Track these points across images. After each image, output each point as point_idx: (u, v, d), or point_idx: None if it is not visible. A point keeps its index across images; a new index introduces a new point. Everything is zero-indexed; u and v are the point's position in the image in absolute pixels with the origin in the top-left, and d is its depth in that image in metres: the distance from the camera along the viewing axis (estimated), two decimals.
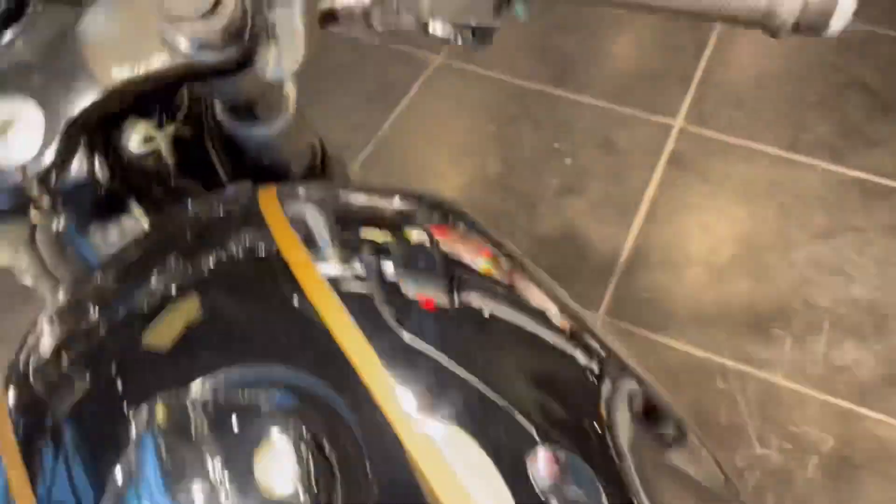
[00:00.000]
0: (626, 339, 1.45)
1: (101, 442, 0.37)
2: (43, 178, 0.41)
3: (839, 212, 1.65)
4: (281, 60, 0.47)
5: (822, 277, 1.55)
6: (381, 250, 0.42)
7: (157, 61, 0.43)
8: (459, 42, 0.43)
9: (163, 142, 0.54)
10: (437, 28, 0.42)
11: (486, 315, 0.42)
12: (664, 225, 1.64)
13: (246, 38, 0.43)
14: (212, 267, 0.42)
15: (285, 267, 0.40)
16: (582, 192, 1.70)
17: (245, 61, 0.44)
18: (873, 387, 1.39)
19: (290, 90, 0.54)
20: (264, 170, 0.59)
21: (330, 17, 0.49)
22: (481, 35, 0.42)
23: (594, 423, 0.39)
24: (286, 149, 0.59)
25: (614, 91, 1.87)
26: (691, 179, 1.72)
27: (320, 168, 0.67)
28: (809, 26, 0.41)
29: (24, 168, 0.41)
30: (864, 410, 1.36)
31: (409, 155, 1.80)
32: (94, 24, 0.43)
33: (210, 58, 0.43)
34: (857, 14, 0.41)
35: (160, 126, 0.54)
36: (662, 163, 1.75)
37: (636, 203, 1.67)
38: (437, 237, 0.45)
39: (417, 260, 0.42)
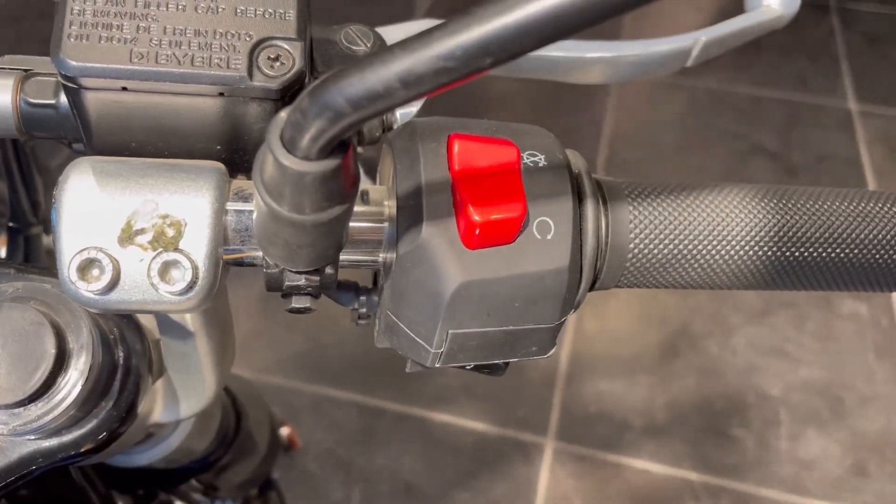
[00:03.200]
0: (583, 466, 1.32)
1: None
2: None
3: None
4: (178, 400, 0.30)
5: (768, 362, 1.47)
6: None
7: None
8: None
9: None
10: None
11: None
12: (600, 324, 1.53)
13: (115, 402, 0.26)
14: None
15: None
16: None
17: (118, 426, 0.27)
18: (844, 480, 1.31)
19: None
20: (156, 479, 0.41)
21: None
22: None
23: None
24: (185, 449, 0.41)
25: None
26: None
27: (233, 427, 0.49)
28: None
29: None
30: None
31: None
32: None
33: (55, 445, 0.26)
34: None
35: None
36: None
37: None
38: None
39: None
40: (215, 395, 0.30)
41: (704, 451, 1.34)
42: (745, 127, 1.95)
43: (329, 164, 0.19)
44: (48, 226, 0.36)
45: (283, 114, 0.18)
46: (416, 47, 0.15)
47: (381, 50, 0.16)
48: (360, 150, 0.28)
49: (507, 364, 0.28)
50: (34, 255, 0.36)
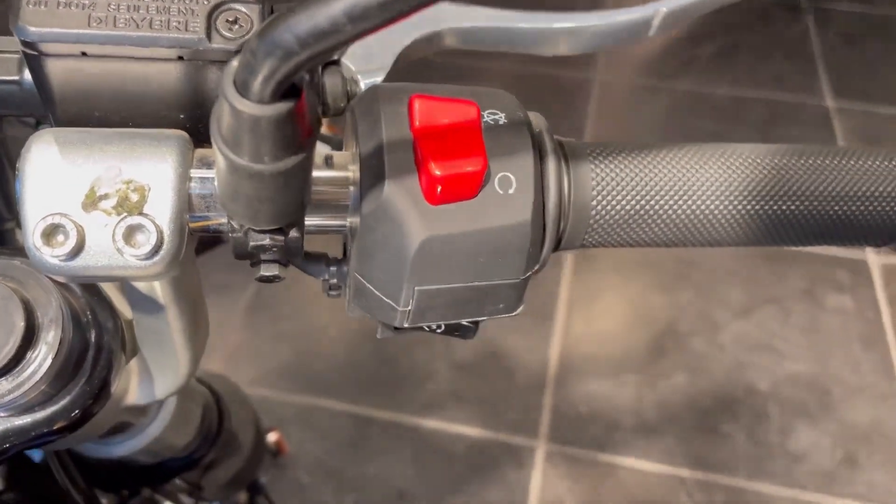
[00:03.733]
0: (576, 468, 1.31)
1: None
2: None
3: (754, 285, 1.61)
4: (152, 379, 0.30)
5: (755, 357, 1.48)
6: None
7: None
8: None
9: None
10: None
11: None
12: (586, 327, 1.53)
13: (87, 378, 0.26)
14: None
15: None
16: None
17: (91, 404, 0.27)
18: (835, 472, 1.31)
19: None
20: (139, 475, 0.41)
21: None
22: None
23: None
24: (165, 441, 0.41)
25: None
26: (602, 273, 1.63)
27: (216, 424, 0.49)
28: None
29: None
30: (833, 499, 1.28)
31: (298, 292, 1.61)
32: None
33: (28, 423, 0.25)
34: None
35: None
36: (570, 257, 1.66)
37: (552, 307, 1.56)
38: None
39: None
40: (189, 373, 0.30)
41: (696, 448, 1.35)
42: (725, 127, 1.97)
43: (283, 106, 0.19)
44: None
45: (235, 61, 0.19)
46: None
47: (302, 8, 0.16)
48: (324, 125, 0.29)
49: (476, 325, 0.28)
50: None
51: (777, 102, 2.06)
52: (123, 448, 0.37)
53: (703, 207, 0.27)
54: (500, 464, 1.33)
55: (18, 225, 0.38)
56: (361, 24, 0.16)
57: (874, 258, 1.66)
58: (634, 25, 0.30)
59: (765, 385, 1.44)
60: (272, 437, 1.14)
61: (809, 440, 1.36)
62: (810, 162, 0.28)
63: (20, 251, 0.25)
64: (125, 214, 0.21)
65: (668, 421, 1.39)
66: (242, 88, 0.19)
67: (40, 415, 0.25)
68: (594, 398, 1.42)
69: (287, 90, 0.18)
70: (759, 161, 0.28)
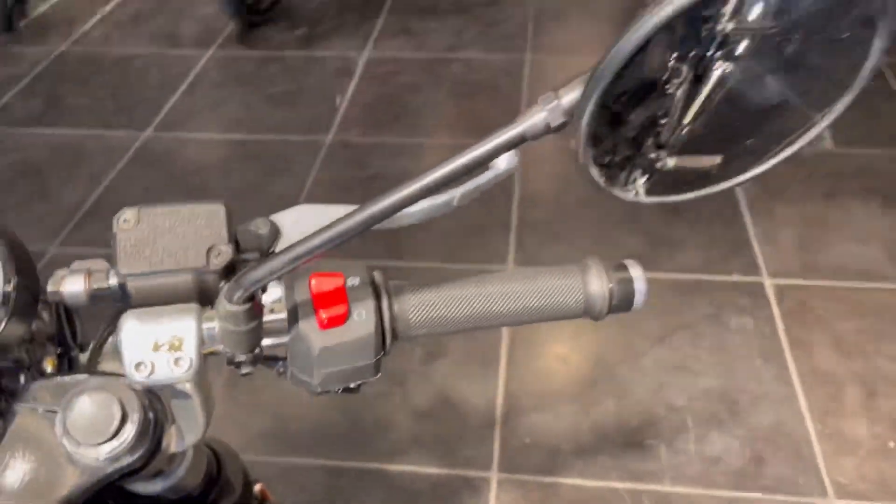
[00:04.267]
0: (525, 492, 1.51)
1: None
2: None
3: (667, 314, 1.84)
4: (183, 436, 0.50)
5: (672, 378, 1.71)
6: None
7: (72, 483, 0.45)
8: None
9: None
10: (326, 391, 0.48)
11: None
12: (526, 366, 1.75)
13: (151, 439, 0.47)
14: None
15: None
16: (445, 354, 1.78)
17: (153, 452, 0.48)
18: (746, 470, 1.53)
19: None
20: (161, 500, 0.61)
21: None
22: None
23: None
24: (185, 481, 0.62)
25: (445, 252, 2.01)
26: None
27: (216, 472, 0.70)
28: (620, 308, 0.52)
29: None
30: (744, 494, 1.50)
31: None
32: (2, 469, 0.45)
33: (123, 464, 0.46)
34: None
35: None
36: None
37: (496, 352, 1.78)
38: None
39: None
40: (204, 431, 0.50)
41: (626, 462, 1.56)
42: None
43: (247, 305, 0.41)
44: (84, 348, 0.56)
45: (225, 288, 0.41)
46: (278, 257, 0.38)
47: (262, 259, 0.39)
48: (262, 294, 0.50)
49: (359, 387, 0.49)
50: (74, 371, 0.56)
51: None
52: (160, 485, 0.57)
53: (471, 312, 0.49)
54: (460, 496, 1.53)
55: (81, 351, 0.59)
56: (290, 265, 0.38)
57: (769, 281, 1.92)
58: (444, 204, 0.53)
59: (682, 401, 1.66)
60: (257, 488, 1.33)
61: (722, 445, 1.58)
62: (521, 281, 0.50)
63: (116, 374, 0.46)
64: (175, 352, 0.43)
65: (601, 442, 1.60)
66: (228, 299, 0.41)
67: (126, 460, 0.45)
68: (537, 429, 1.63)
69: (249, 298, 0.40)
70: (496, 283, 0.49)
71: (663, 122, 0.47)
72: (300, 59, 3.03)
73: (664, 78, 0.44)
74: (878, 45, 0.43)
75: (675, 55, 0.44)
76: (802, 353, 1.73)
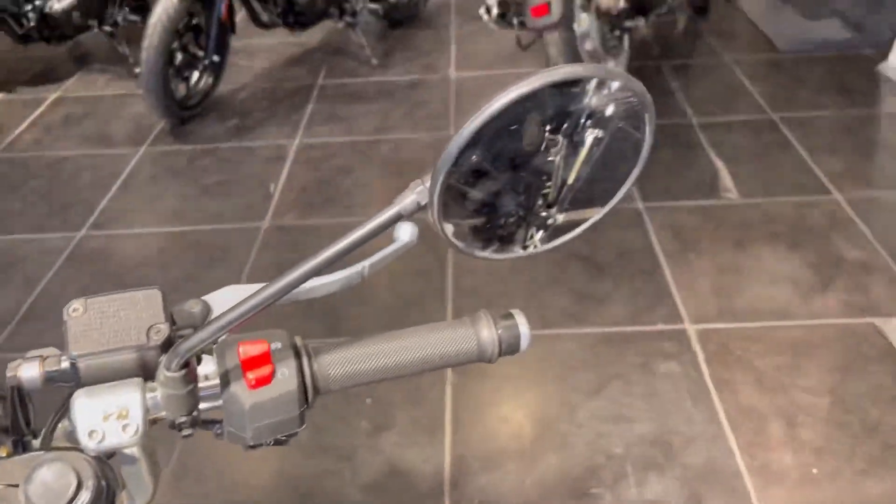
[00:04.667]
0: None
1: None
2: None
3: (599, 366, 1.94)
4: (134, 500, 0.55)
5: (609, 427, 1.79)
6: None
7: None
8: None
9: None
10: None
11: None
12: (471, 429, 1.81)
13: (104, 503, 0.52)
14: None
15: None
16: (391, 425, 1.82)
17: None
18: None
19: None
20: None
21: None
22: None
23: None
24: None
25: (386, 325, 2.07)
26: (477, 379, 1.92)
27: None
28: (509, 352, 0.60)
29: None
30: None
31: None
32: None
33: None
34: None
35: None
36: (449, 374, 1.94)
37: (441, 419, 1.83)
38: None
39: None
40: (153, 493, 0.55)
41: None
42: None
43: (182, 372, 0.48)
44: (36, 434, 0.62)
45: (164, 358, 0.48)
46: (207, 328, 0.45)
47: (194, 331, 0.46)
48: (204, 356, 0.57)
49: (289, 438, 0.55)
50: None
51: None
52: None
53: (383, 364, 0.56)
54: None
55: (34, 437, 0.63)
56: (219, 333, 0.45)
57: (691, 327, 2.04)
58: (353, 276, 0.61)
59: (620, 448, 1.74)
60: None
61: (661, 487, 1.65)
62: (423, 334, 0.58)
63: (71, 447, 0.52)
64: (122, 420, 0.49)
65: (548, 495, 1.66)
66: (167, 368, 0.47)
67: None
68: (487, 490, 1.68)
69: (184, 364, 0.47)
70: (402, 338, 0.57)
71: (549, 184, 0.56)
72: (232, 149, 3.12)
73: (543, 148, 0.54)
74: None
75: (549, 129, 0.53)
76: (727, 393, 1.84)
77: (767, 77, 3.38)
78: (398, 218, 0.48)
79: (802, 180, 2.62)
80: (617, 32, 3.06)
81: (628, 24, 3.10)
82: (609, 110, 0.53)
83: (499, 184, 0.53)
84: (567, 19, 2.75)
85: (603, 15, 3.03)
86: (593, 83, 0.51)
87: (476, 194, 0.53)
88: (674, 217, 2.47)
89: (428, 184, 0.47)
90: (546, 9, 2.78)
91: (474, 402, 1.87)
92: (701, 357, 1.94)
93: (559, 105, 0.51)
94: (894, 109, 3.08)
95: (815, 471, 1.65)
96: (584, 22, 2.95)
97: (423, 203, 0.48)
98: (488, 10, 3.03)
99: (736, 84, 3.33)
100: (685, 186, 2.63)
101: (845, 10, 3.82)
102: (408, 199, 0.48)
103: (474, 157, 0.48)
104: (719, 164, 2.75)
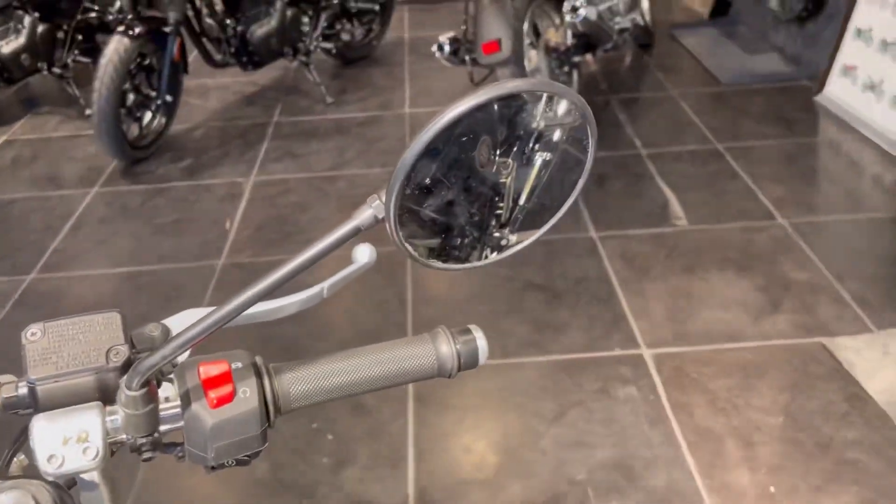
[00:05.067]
0: None
1: None
2: None
3: (560, 393, 1.95)
4: None
5: (571, 454, 1.80)
6: None
7: None
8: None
9: None
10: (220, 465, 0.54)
11: None
12: (434, 461, 1.80)
13: None
14: None
15: None
16: (353, 461, 1.81)
17: None
18: None
19: None
20: None
21: None
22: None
23: None
24: None
25: None
26: (438, 410, 1.92)
27: None
28: (468, 366, 0.61)
29: None
30: None
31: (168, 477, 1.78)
32: None
33: None
34: None
35: None
36: (411, 406, 1.94)
37: (403, 451, 1.82)
38: None
39: None
40: None
41: None
42: (515, 270, 2.39)
43: (143, 390, 0.48)
44: None
45: (125, 377, 0.48)
46: (167, 346, 0.46)
47: (154, 350, 0.46)
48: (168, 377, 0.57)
49: (250, 458, 0.55)
50: None
51: (553, 241, 2.53)
52: None
53: (343, 382, 0.57)
54: None
55: None
56: (179, 351, 0.46)
57: (647, 352, 2.07)
58: (313, 297, 0.61)
59: (582, 474, 1.75)
60: None
61: None
62: (383, 351, 0.59)
63: (29, 476, 0.51)
64: (83, 442, 0.48)
65: None
66: (128, 387, 0.47)
67: None
68: None
69: (145, 383, 0.47)
70: (362, 355, 0.58)
71: (501, 205, 0.58)
72: (187, 188, 3.10)
73: (495, 170, 0.55)
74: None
75: (499, 152, 0.55)
76: (684, 415, 1.87)
77: (711, 109, 3.50)
78: (356, 232, 0.49)
79: (748, 207, 2.71)
80: (566, 68, 3.14)
81: (576, 59, 3.19)
82: (556, 135, 0.55)
83: (453, 205, 0.55)
84: (517, 56, 2.82)
85: (552, 51, 3.11)
86: (541, 104, 0.53)
87: (432, 215, 0.54)
88: (627, 245, 2.53)
89: (384, 198, 0.49)
90: (497, 46, 2.85)
91: (436, 434, 1.87)
92: (657, 381, 1.98)
93: (509, 128, 0.54)
94: (832, 138, 3.22)
95: (772, 489, 1.68)
96: (533, 58, 3.03)
97: (380, 217, 0.49)
98: (441, 48, 3.10)
99: (682, 116, 3.44)
100: (637, 215, 2.70)
101: (783, 45, 4.00)
102: (365, 214, 0.49)
103: (428, 174, 0.49)
104: (669, 192, 2.83)
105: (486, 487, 1.73)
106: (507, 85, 0.48)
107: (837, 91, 3.38)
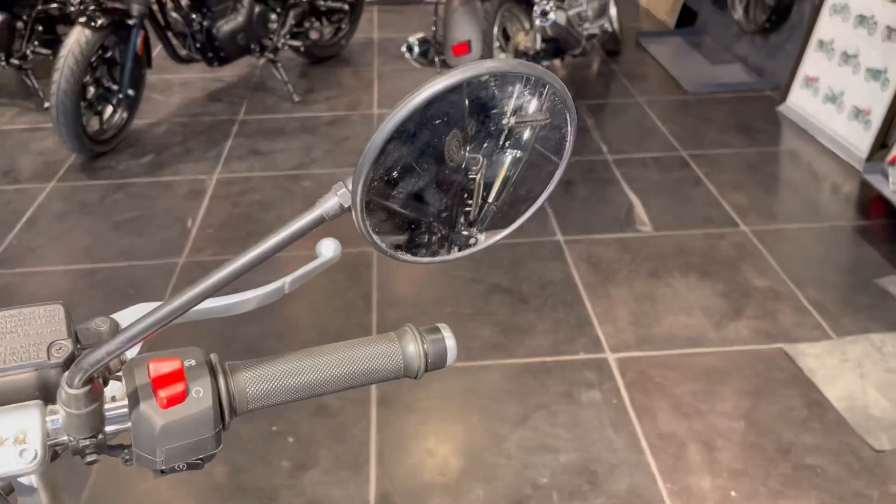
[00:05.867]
0: None
1: None
2: None
3: (524, 396, 1.94)
4: None
5: (535, 457, 1.79)
6: None
7: None
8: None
9: None
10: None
11: None
12: (396, 464, 1.77)
13: None
14: None
15: None
16: (314, 464, 1.77)
17: None
18: None
19: None
20: None
21: None
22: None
23: None
24: None
25: None
26: (402, 413, 1.90)
27: None
28: (435, 366, 0.59)
29: None
30: None
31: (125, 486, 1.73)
32: None
33: None
34: None
35: None
36: (374, 408, 1.91)
37: (365, 454, 1.79)
38: None
39: None
40: None
41: None
42: (481, 273, 2.38)
43: (85, 389, 0.45)
44: None
45: (65, 375, 0.45)
46: (112, 340, 0.43)
47: (98, 344, 0.43)
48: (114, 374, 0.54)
49: (202, 461, 0.52)
50: None
51: (519, 244, 2.53)
52: None
53: (304, 381, 0.54)
54: None
55: None
56: (125, 346, 0.43)
57: (611, 356, 2.07)
58: (274, 292, 0.59)
59: (546, 478, 1.74)
60: None
61: None
62: (347, 349, 0.56)
63: None
64: (19, 444, 0.45)
65: None
66: (69, 385, 0.44)
67: None
68: None
69: (88, 381, 0.44)
70: (324, 353, 0.56)
71: (470, 202, 0.56)
72: (148, 185, 3.03)
73: (464, 166, 0.54)
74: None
75: (469, 147, 0.53)
76: (647, 419, 1.87)
77: (677, 116, 3.53)
78: (320, 221, 0.46)
79: (712, 213, 2.74)
80: None
81: (545, 63, 3.20)
82: (527, 133, 0.54)
83: (422, 198, 0.53)
84: (486, 58, 2.81)
85: (520, 54, 3.11)
86: (513, 99, 0.51)
87: (399, 208, 0.52)
88: (593, 249, 2.53)
89: (350, 186, 0.46)
90: (467, 48, 2.84)
91: (399, 437, 1.84)
92: (621, 385, 1.98)
93: (479, 123, 0.52)
94: (793, 147, 3.27)
95: (733, 493, 1.69)
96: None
97: (346, 206, 0.47)
98: (410, 49, 3.08)
99: (648, 122, 3.47)
100: (603, 220, 2.71)
101: (747, 55, 4.06)
102: (330, 202, 0.47)
103: (398, 161, 0.47)
104: (634, 198, 2.85)
105: (448, 491, 1.71)
106: (485, 65, 0.46)
107: (799, 102, 3.44)
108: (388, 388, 1.95)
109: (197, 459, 0.51)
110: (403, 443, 1.83)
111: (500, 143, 0.54)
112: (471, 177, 0.54)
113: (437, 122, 0.47)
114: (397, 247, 0.52)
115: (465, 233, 0.58)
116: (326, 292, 2.29)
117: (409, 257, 0.53)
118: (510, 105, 0.52)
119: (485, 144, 0.53)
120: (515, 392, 1.96)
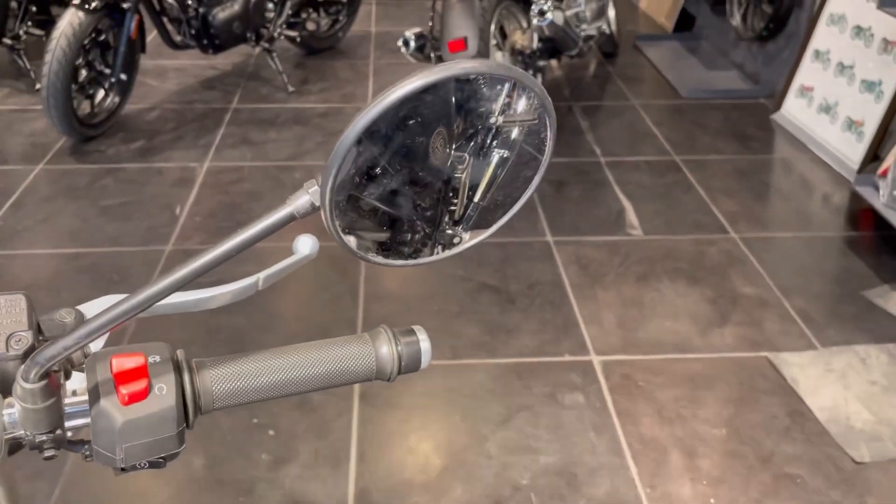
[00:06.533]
0: None
1: None
2: None
3: (508, 397, 1.94)
4: None
5: (516, 458, 1.78)
6: None
7: None
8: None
9: None
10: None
11: None
12: (376, 461, 1.76)
13: None
14: None
15: None
16: (293, 458, 1.76)
17: None
18: None
19: None
20: None
21: None
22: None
23: None
24: None
25: None
26: (384, 409, 1.89)
27: None
28: (409, 369, 0.58)
29: None
30: None
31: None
32: None
33: None
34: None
35: None
36: (356, 404, 1.90)
37: (346, 450, 1.78)
38: None
39: None
40: None
41: None
42: (470, 271, 2.37)
43: (41, 383, 0.44)
44: None
45: (21, 368, 0.44)
46: (71, 335, 0.42)
47: (57, 338, 0.42)
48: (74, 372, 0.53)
49: (165, 460, 0.51)
50: None
51: (508, 244, 2.52)
52: None
53: (273, 381, 0.53)
54: None
55: None
56: (84, 341, 0.42)
57: (596, 359, 2.07)
58: (249, 287, 0.58)
59: (525, 479, 1.73)
60: None
61: None
62: (318, 349, 0.55)
63: None
64: None
65: None
66: (25, 378, 0.43)
67: None
68: None
69: (45, 375, 0.43)
70: (295, 353, 0.55)
71: (455, 201, 0.55)
72: (137, 170, 3.00)
73: (449, 164, 0.52)
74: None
75: (455, 147, 0.52)
76: (630, 424, 1.87)
77: (671, 121, 3.53)
78: (291, 219, 0.45)
79: (702, 219, 2.73)
80: (530, 71, 3.13)
81: (541, 63, 3.19)
82: (514, 132, 0.53)
83: (401, 197, 0.52)
84: (482, 55, 2.80)
85: (517, 53, 3.10)
86: (501, 98, 0.50)
87: (377, 206, 0.51)
88: (582, 251, 2.53)
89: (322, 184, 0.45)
90: (463, 44, 2.83)
91: (381, 433, 1.83)
92: (605, 388, 1.97)
93: (465, 121, 0.51)
94: (785, 156, 3.27)
95: (712, 501, 1.69)
96: (498, 59, 3.01)
97: (317, 204, 0.46)
98: (406, 43, 3.07)
99: (642, 126, 3.47)
100: (593, 222, 2.70)
101: (743, 62, 4.06)
102: (301, 200, 0.46)
103: (375, 160, 0.46)
104: (625, 201, 2.84)
105: (427, 490, 1.71)
106: (460, 65, 0.45)
107: (794, 111, 3.44)
108: (370, 385, 1.94)
109: (159, 458, 0.49)
110: (385, 439, 1.82)
111: (487, 142, 0.53)
112: (456, 175, 0.53)
113: (418, 120, 0.46)
114: (378, 245, 0.51)
115: (449, 231, 0.57)
116: (314, 286, 2.28)
117: (379, 259, 0.52)
118: (497, 104, 0.51)
119: (472, 143, 0.52)
120: (499, 392, 1.96)
